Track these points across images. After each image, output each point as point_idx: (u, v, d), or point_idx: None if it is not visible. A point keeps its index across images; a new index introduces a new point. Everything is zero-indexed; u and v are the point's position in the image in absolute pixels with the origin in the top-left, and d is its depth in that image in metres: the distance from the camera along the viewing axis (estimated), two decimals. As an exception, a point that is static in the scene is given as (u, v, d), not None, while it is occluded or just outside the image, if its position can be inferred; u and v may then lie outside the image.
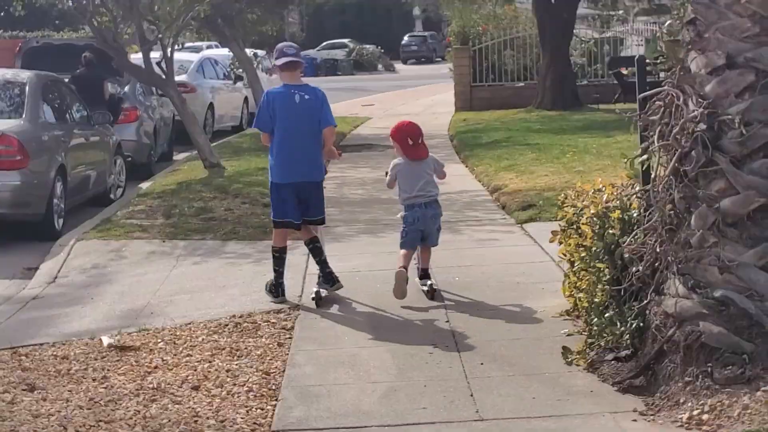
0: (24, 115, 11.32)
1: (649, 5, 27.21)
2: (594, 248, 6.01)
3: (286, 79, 7.57)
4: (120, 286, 8.72)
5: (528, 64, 25.31)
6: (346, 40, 60.64)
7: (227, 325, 6.98)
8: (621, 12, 32.58)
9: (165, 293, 8.30)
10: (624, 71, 23.23)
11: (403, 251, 7.61)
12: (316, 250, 7.69)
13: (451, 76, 26.46)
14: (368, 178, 14.17)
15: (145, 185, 14.29)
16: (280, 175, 7.55)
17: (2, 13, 21.21)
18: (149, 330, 6.99)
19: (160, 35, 13.75)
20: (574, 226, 6.60)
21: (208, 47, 40.62)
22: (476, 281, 8.00)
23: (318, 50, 58.98)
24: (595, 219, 6.09)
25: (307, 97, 7.47)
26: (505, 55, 25.16)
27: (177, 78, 21.15)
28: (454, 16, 26.10)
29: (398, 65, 58.76)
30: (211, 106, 21.72)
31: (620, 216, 5.88)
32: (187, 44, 35.14)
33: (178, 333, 6.85)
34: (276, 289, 7.62)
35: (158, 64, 14.42)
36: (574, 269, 6.61)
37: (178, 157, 18.39)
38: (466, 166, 15.12)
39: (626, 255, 5.68)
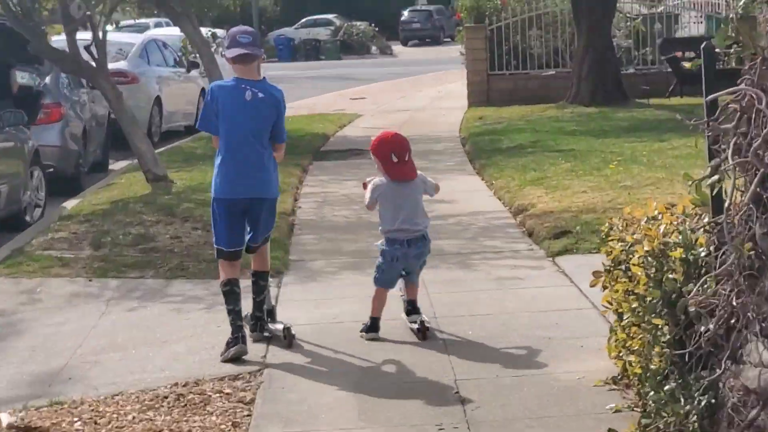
0: None
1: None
2: (649, 298, 5.69)
3: (238, 72, 7.49)
4: (31, 339, 8.40)
5: (560, 46, 25.07)
6: (331, 16, 60.51)
7: (167, 397, 6.66)
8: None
9: (89, 350, 7.98)
10: (680, 56, 23.01)
11: (377, 288, 7.83)
12: (258, 288, 7.76)
13: (463, 62, 26.20)
14: (355, 194, 13.85)
15: (70, 204, 14.00)
16: (222, 190, 7.52)
17: None
18: (64, 404, 6.67)
19: (88, 12, 13.44)
20: (623, 267, 6.29)
21: (157, 26, 40.62)
22: (495, 335, 7.69)
23: (296, 29, 58.95)
24: (650, 259, 5.77)
25: (261, 95, 7.42)
26: (531, 36, 24.92)
27: (113, 65, 21.00)
28: (466, -15, 25.85)
29: (397, 47, 58.54)
30: (158, 100, 21.47)
31: (683, 256, 5.56)
32: (128, 22, 35.20)
33: (101, 408, 6.53)
34: (234, 338, 7.41)
35: (87, 48, 14.12)
36: (622, 323, 6.31)
37: (116, 166, 18.12)
38: (482, 179, 14.84)
39: (692, 309, 5.36)
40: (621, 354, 6.43)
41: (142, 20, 37.49)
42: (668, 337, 5.58)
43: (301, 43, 55.22)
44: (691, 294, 5.41)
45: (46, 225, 12.18)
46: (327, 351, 7.50)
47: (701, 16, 30.66)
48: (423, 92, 30.81)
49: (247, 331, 7.60)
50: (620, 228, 6.56)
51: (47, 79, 15.83)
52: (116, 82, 20.50)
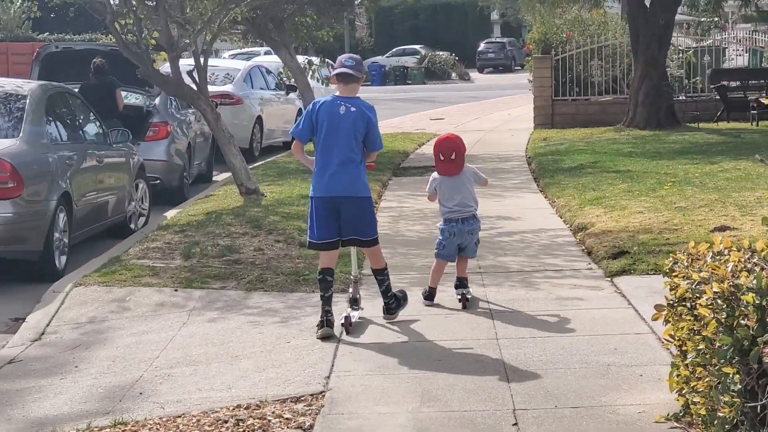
0: (21, 134, 10.22)
1: (753, 11, 25.58)
2: (719, 344, 4.60)
3: (339, 90, 7.51)
4: (114, 349, 7.54)
5: (618, 75, 23.83)
6: (417, 47, 59.62)
7: (227, 421, 5.70)
8: (717, 19, 30.91)
9: (164, 363, 7.08)
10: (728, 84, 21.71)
11: (437, 261, 8.20)
12: (378, 281, 7.77)
13: (531, 89, 25.07)
14: (429, 209, 12.85)
15: (171, 213, 13.16)
16: (316, 189, 7.47)
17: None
18: (126, 424, 5.76)
19: (187, 40, 12.59)
20: (688, 305, 5.21)
21: (267, 53, 39.82)
22: (555, 360, 6.63)
23: (387, 57, 58.07)
24: (719, 302, 4.68)
25: (353, 109, 7.38)
26: (592, 65, 23.70)
27: (221, 88, 20.25)
28: (534, 21, 24.67)
29: (474, 74, 57.47)
30: (259, 119, 20.66)
31: (757, 302, 4.47)
32: (243, 50, 34.53)
33: (160, 431, 5.60)
34: (321, 321, 7.36)
35: (189, 73, 13.29)
36: (686, 361, 5.23)
37: (219, 177, 17.31)
38: (546, 197, 13.72)
39: (767, 360, 4.29)
40: (684, 391, 5.36)
41: (254, 48, 36.92)
42: (739, 387, 4.49)
43: (391, 70, 54.25)
44: (766, 342, 4.34)
45: (145, 234, 11.33)
46: (390, 373, 6.53)
47: (745, 50, 29.20)
48: (494, 114, 29.67)
49: (336, 319, 7.46)
50: (685, 264, 5.45)
51: (156, 101, 15.07)
52: (222, 102, 19.99)
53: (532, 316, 7.73)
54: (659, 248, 9.40)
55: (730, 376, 4.52)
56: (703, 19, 30.96)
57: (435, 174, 8.21)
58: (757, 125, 20.87)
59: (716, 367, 4.65)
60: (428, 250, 10.18)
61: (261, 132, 20.86)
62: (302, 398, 6.08)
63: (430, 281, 8.21)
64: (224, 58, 33.91)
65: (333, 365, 6.68)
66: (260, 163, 18.52)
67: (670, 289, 5.53)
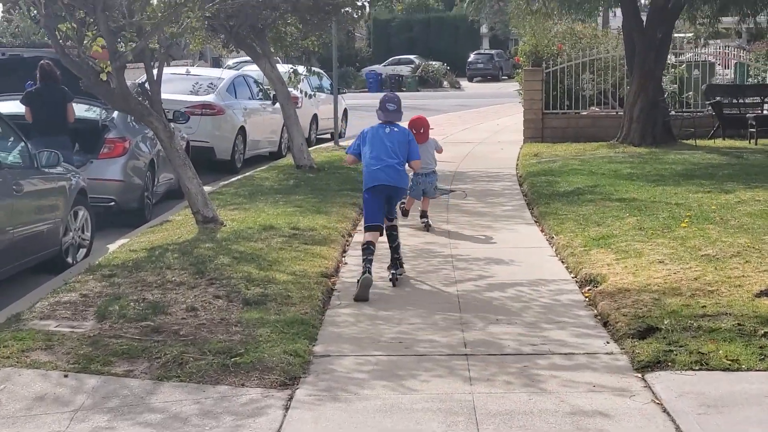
0: None
1: (750, 26, 22.62)
2: None
3: (383, 119, 8.51)
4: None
5: (609, 89, 20.83)
6: (412, 57, 57.72)
7: None
8: (691, 35, 28.47)
9: None
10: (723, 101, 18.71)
11: (409, 198, 10.83)
12: (391, 237, 8.52)
13: (521, 102, 22.06)
14: (409, 245, 9.86)
15: (119, 243, 10.21)
16: (368, 182, 8.30)
17: None
18: None
19: (126, 50, 9.58)
20: None
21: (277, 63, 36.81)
22: None
23: (384, 66, 56.16)
24: None
25: (396, 129, 8.46)
26: (583, 79, 20.68)
27: (203, 98, 17.20)
28: (525, 33, 21.61)
29: (464, 82, 55.24)
30: (242, 129, 17.67)
31: None
32: (235, 60, 31.39)
33: None
34: (362, 272, 7.89)
35: (141, 85, 10.31)
36: None
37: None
38: (542, 230, 10.71)
39: None
40: None
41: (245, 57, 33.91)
42: None
43: (387, 78, 51.89)
44: None
45: (64, 281, 8.32)
46: None
47: (725, 65, 26.15)
48: (483, 125, 26.62)
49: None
50: None
51: (114, 114, 12.07)
52: (204, 113, 17.00)
53: (538, 447, 4.77)
54: (697, 322, 6.44)
55: None
56: (681, 35, 28.02)
57: None
58: (756, 144, 17.87)
59: None
60: (402, 311, 7.24)
61: (244, 143, 17.88)
62: None
63: (406, 205, 10.91)
64: (227, 66, 31.06)
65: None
66: (237, 177, 15.54)
67: None
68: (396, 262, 8.44)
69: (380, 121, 8.43)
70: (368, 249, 8.07)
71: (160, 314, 7.02)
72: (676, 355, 5.88)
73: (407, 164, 8.44)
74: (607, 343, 6.46)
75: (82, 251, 10.02)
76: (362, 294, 7.67)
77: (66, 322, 6.99)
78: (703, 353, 5.86)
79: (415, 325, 6.96)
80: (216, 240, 9.55)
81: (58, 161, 9.30)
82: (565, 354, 6.24)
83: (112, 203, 11.63)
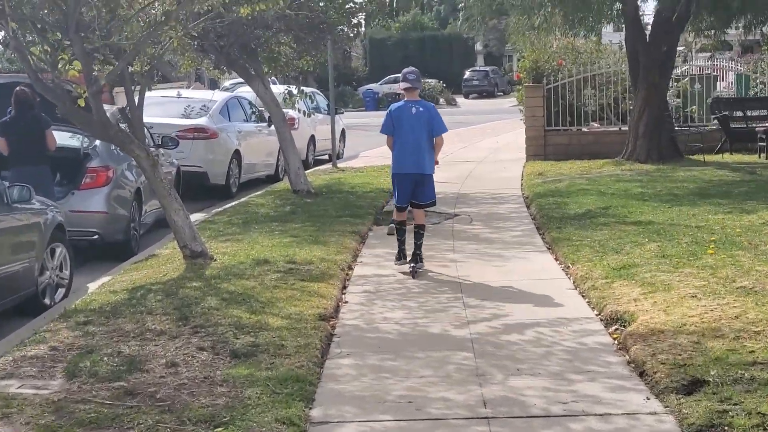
0: None
1: (755, 37, 21.74)
2: None
3: (407, 96, 8.93)
4: None
5: (612, 104, 19.92)
6: (408, 75, 56.38)
7: None
8: (683, 48, 27.70)
9: None
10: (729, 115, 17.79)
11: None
12: (417, 235, 9.12)
13: (522, 119, 21.12)
14: (421, 280, 8.91)
15: (101, 282, 9.25)
16: (397, 167, 9.08)
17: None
18: None
19: (99, 73, 8.64)
20: None
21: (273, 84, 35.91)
22: None
23: (380, 84, 55.31)
24: None
25: (421, 109, 8.92)
26: (585, 94, 19.76)
27: (195, 121, 16.28)
28: (525, 49, 20.70)
29: (460, 99, 54.69)
30: (237, 153, 16.74)
31: None
32: (231, 81, 30.46)
33: None
34: (399, 255, 9.35)
35: (122, 110, 9.36)
36: None
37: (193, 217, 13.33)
38: (556, 258, 9.74)
39: None
40: None
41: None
42: None
43: (384, 96, 51.03)
44: None
45: (34, 330, 7.35)
46: None
47: (721, 77, 25.25)
48: (483, 142, 25.69)
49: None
50: None
51: (97, 141, 11.11)
52: (196, 137, 16.11)
53: None
54: (749, 372, 5.48)
55: None
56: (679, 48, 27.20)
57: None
58: (767, 158, 16.93)
59: None
60: (409, 361, 6.27)
61: (239, 167, 16.94)
62: None
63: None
64: (222, 87, 30.21)
65: None
66: (231, 204, 14.57)
67: None
68: (417, 257, 9.08)
69: (404, 97, 8.93)
70: (400, 230, 9.29)
71: (136, 372, 6.04)
72: (734, 416, 4.91)
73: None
74: (647, 399, 5.48)
75: (61, 291, 9.06)
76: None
77: (30, 382, 6.02)
78: (763, 414, 4.89)
79: (426, 378, 5.99)
80: (204, 278, 8.58)
81: (30, 196, 8.35)
82: (601, 415, 5.26)
83: (96, 236, 10.69)
